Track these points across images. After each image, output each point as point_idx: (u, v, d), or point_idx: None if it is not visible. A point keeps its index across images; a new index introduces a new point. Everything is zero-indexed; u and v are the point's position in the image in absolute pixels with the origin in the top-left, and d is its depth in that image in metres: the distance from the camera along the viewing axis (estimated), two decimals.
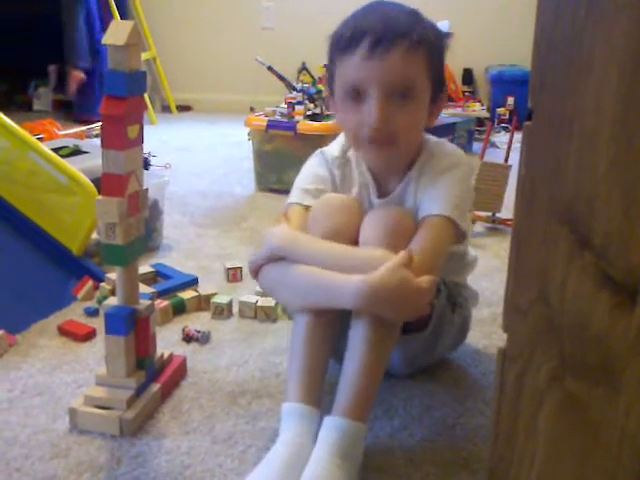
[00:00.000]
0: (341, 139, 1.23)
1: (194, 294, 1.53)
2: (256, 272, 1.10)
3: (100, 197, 1.05)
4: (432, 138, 1.19)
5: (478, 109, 3.46)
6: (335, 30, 1.12)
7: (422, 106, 1.11)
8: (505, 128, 3.49)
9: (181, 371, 1.24)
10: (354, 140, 1.13)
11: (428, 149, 1.16)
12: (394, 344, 1.04)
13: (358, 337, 1.00)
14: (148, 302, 1.13)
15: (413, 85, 1.07)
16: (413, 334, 1.12)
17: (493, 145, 3.18)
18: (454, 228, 1.09)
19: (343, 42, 1.08)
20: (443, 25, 2.38)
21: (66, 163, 1.65)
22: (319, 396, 1.02)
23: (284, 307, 1.34)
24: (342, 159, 1.20)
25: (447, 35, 1.15)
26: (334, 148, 1.22)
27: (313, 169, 1.21)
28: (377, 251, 1.01)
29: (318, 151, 1.24)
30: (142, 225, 1.11)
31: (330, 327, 1.06)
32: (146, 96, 3.29)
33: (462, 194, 1.11)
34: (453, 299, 1.20)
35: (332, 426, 0.95)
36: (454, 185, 1.11)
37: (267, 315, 1.47)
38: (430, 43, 1.08)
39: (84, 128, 3.24)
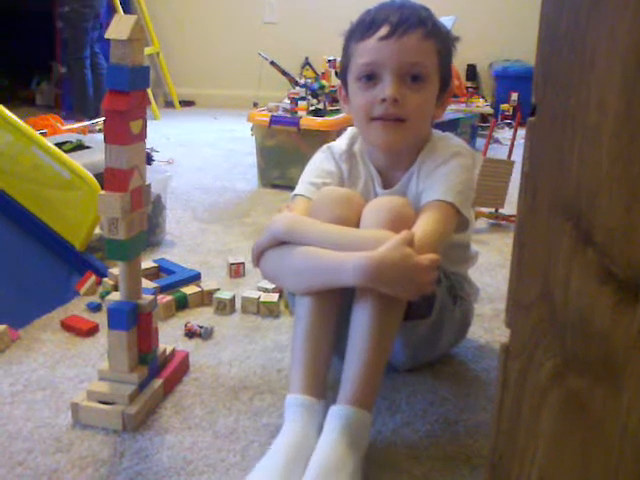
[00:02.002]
0: (348, 134, 1.26)
1: (197, 289, 1.54)
2: (258, 258, 1.11)
3: (103, 192, 1.05)
4: (437, 132, 1.21)
5: (482, 105, 3.45)
6: (350, 24, 1.17)
7: (431, 94, 1.14)
8: (508, 124, 3.49)
9: (183, 366, 1.24)
10: (364, 119, 1.14)
11: (432, 142, 1.19)
12: (397, 329, 1.04)
13: (361, 323, 1.01)
14: (151, 297, 1.13)
15: (425, 70, 1.11)
16: (415, 321, 1.12)
17: (496, 141, 3.18)
18: (456, 214, 1.11)
19: (361, 29, 1.14)
20: (449, 20, 2.38)
21: (69, 158, 1.66)
22: (322, 387, 1.02)
23: (287, 297, 1.33)
24: (349, 153, 1.22)
25: (455, 38, 1.19)
26: (342, 143, 1.25)
27: (320, 164, 1.23)
28: (379, 231, 1.02)
29: (325, 146, 1.26)
30: (145, 220, 1.12)
31: (332, 312, 1.06)
32: (149, 91, 3.30)
33: (464, 182, 1.13)
34: (454, 292, 1.20)
35: (338, 414, 0.95)
36: (456, 173, 1.13)
37: (269, 311, 1.47)
38: (442, 39, 1.14)
39: (87, 123, 3.24)
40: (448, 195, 1.10)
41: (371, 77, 1.12)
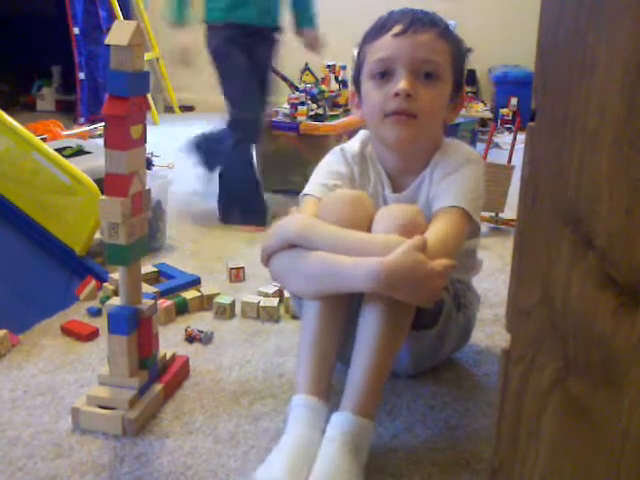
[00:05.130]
0: (360, 136, 1.27)
1: (197, 294, 1.54)
2: (268, 259, 1.11)
3: (103, 197, 1.05)
4: (446, 139, 1.22)
5: (481, 110, 3.46)
6: (364, 33, 1.19)
7: (444, 93, 1.15)
8: (508, 129, 3.49)
9: (184, 371, 1.24)
10: (378, 116, 1.15)
11: (443, 148, 1.19)
12: (404, 337, 1.04)
13: (368, 329, 1.01)
14: (151, 302, 1.13)
15: (438, 69, 1.13)
16: (423, 331, 1.12)
17: (496, 146, 3.19)
18: (469, 220, 1.11)
19: (375, 30, 1.16)
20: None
21: (69, 163, 1.66)
22: (327, 390, 1.03)
23: (293, 300, 1.33)
24: (360, 156, 1.23)
25: (468, 49, 1.21)
26: (354, 145, 1.25)
27: (332, 165, 1.23)
28: (391, 236, 1.02)
29: (337, 148, 1.26)
30: (145, 225, 1.12)
31: (340, 317, 1.06)
32: (149, 96, 3.29)
33: (476, 188, 1.14)
34: (458, 299, 1.20)
35: (341, 423, 0.95)
36: (468, 179, 1.13)
37: (269, 315, 1.47)
38: (454, 42, 1.16)
39: (87, 128, 3.24)
40: (461, 201, 1.10)
41: (385, 74, 1.13)
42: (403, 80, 1.10)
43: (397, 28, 1.12)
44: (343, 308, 1.06)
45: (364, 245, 1.01)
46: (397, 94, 1.10)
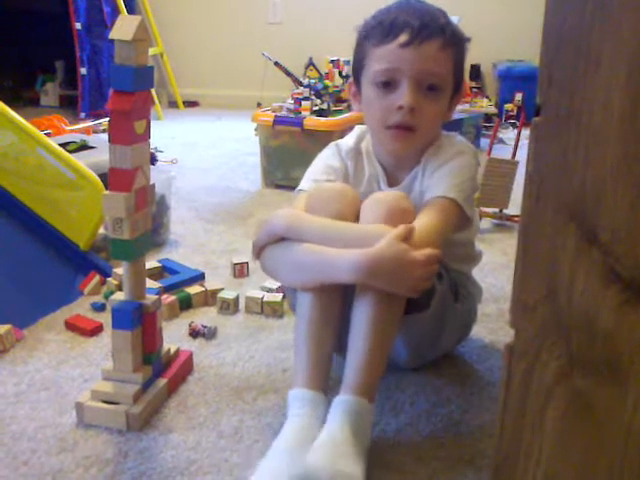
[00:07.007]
0: (356, 132, 1.27)
1: (201, 289, 1.54)
2: (258, 253, 1.13)
3: (107, 192, 1.05)
4: (443, 132, 1.22)
5: (486, 105, 3.45)
6: (366, 22, 1.17)
7: (444, 102, 1.16)
8: (513, 124, 3.48)
9: (187, 366, 1.24)
10: (379, 125, 1.15)
11: (437, 142, 1.19)
12: (398, 323, 1.05)
13: (361, 316, 1.02)
14: (155, 297, 1.13)
15: (441, 80, 1.12)
16: (415, 314, 1.12)
17: (501, 141, 3.18)
18: (458, 210, 1.11)
19: (380, 32, 1.13)
20: (453, 21, 2.38)
21: (73, 158, 1.66)
22: (325, 381, 1.04)
23: (287, 292, 1.34)
24: (355, 151, 1.24)
25: (467, 39, 1.19)
26: (349, 140, 1.26)
27: (326, 160, 1.24)
28: (377, 226, 1.03)
29: (333, 143, 1.27)
30: (149, 220, 1.12)
31: (334, 309, 1.07)
32: (153, 91, 3.29)
33: (467, 179, 1.14)
34: (456, 289, 1.20)
35: (341, 404, 0.96)
36: (458, 170, 1.14)
37: (273, 310, 1.47)
38: (458, 45, 1.15)
39: (91, 123, 3.24)
40: (449, 192, 1.10)
41: (388, 83, 1.12)
42: (407, 94, 1.10)
43: (403, 37, 1.10)
44: (336, 299, 1.07)
45: (350, 236, 1.03)
46: (401, 107, 1.11)
